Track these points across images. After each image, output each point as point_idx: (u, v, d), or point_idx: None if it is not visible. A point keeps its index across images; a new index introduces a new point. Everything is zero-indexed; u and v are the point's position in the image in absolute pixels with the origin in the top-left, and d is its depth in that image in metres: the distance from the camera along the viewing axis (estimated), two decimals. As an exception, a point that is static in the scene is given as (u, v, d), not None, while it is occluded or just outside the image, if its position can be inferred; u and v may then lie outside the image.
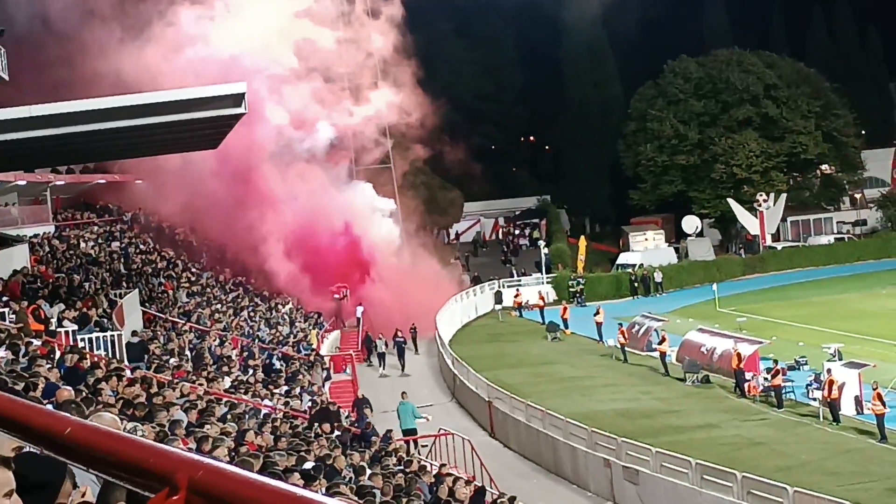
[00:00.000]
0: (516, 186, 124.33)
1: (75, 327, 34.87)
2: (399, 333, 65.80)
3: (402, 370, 63.61)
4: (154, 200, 74.27)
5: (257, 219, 73.50)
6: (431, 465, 35.29)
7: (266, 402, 36.31)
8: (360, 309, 71.98)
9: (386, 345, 64.80)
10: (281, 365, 48.60)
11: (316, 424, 33.81)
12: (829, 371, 45.10)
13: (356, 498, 19.59)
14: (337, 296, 74.11)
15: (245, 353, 47.51)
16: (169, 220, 74.91)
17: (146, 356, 37.43)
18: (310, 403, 38.88)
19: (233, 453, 19.31)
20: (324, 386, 48.59)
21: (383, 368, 63.44)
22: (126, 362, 34.30)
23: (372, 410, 43.19)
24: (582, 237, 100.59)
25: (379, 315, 71.63)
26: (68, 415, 3.59)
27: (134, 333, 39.62)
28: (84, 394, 18.07)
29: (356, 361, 59.29)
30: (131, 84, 61.40)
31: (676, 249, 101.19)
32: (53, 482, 5.52)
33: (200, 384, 31.98)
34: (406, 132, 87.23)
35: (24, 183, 60.22)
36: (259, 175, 74.16)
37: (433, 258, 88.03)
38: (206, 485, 2.63)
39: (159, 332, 44.76)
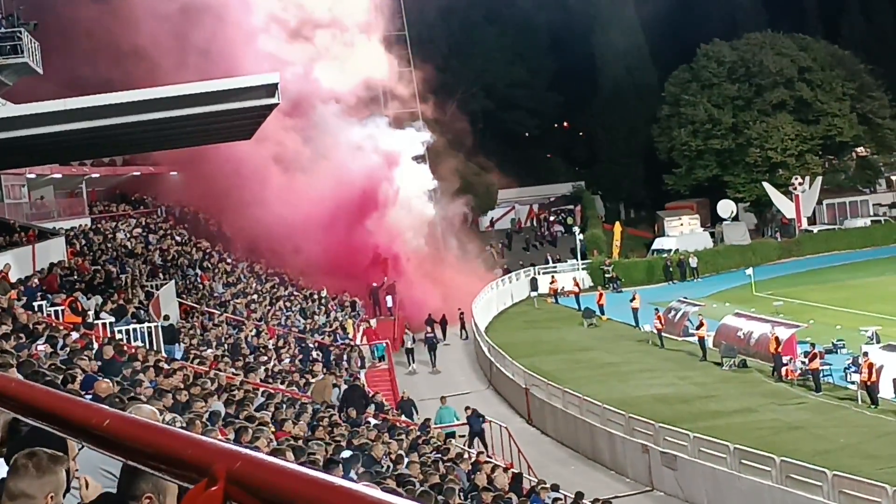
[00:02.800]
0: (550, 173, 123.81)
1: (112, 319, 35.02)
2: (428, 329, 64.31)
3: (433, 366, 61.79)
4: (186, 191, 73.96)
5: (273, 194, 72.41)
6: (469, 452, 35.35)
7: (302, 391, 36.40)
8: (389, 299, 71.54)
9: (413, 340, 62.75)
10: (317, 354, 48.70)
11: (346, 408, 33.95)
12: (866, 354, 44.92)
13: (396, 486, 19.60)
14: (375, 284, 73.73)
15: (281, 343, 47.61)
16: (202, 210, 74.57)
17: (178, 342, 37.75)
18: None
19: (272, 444, 19.36)
20: (360, 374, 48.61)
21: (412, 364, 61.42)
22: (162, 347, 34.66)
23: (417, 412, 42.92)
24: (617, 223, 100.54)
25: (412, 305, 71.42)
26: (106, 406, 3.60)
27: (166, 318, 39.88)
28: (122, 386, 18.17)
29: (392, 350, 58.98)
30: (115, 39, 61.47)
31: (712, 234, 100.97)
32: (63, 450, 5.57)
33: (237, 374, 32.11)
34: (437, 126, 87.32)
35: (59, 176, 60.54)
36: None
37: (467, 246, 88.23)
38: (244, 475, 2.63)
39: (196, 323, 44.95)
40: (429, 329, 64.18)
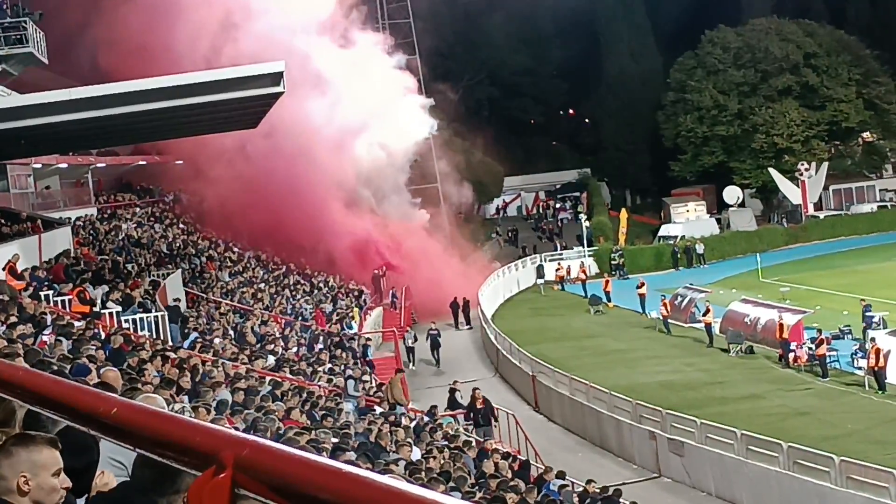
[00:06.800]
0: (556, 160, 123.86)
1: (119, 309, 35.04)
2: (433, 325, 61.38)
3: (438, 365, 58.76)
4: (192, 179, 73.40)
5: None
6: (476, 440, 35.38)
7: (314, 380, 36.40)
8: (391, 292, 70.71)
9: (415, 338, 59.99)
10: (325, 342, 48.66)
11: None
12: (873, 340, 44.91)
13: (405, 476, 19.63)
14: (377, 271, 73.53)
15: (288, 332, 47.56)
16: (207, 198, 73.76)
17: (184, 323, 37.95)
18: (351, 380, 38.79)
19: (279, 432, 19.38)
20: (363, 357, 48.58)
21: (413, 365, 57.91)
22: (168, 327, 34.81)
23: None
24: (623, 210, 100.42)
25: (417, 293, 71.28)
26: (114, 395, 3.61)
27: (176, 300, 40.18)
28: (129, 374, 18.17)
29: (398, 338, 58.64)
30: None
31: (718, 220, 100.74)
32: (94, 461, 5.55)
33: (244, 363, 32.13)
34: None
35: (65, 166, 60.57)
36: None
37: (469, 235, 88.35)
38: (251, 462, 2.64)
39: (202, 312, 44.97)
40: (433, 325, 61.43)
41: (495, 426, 40.77)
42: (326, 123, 72.97)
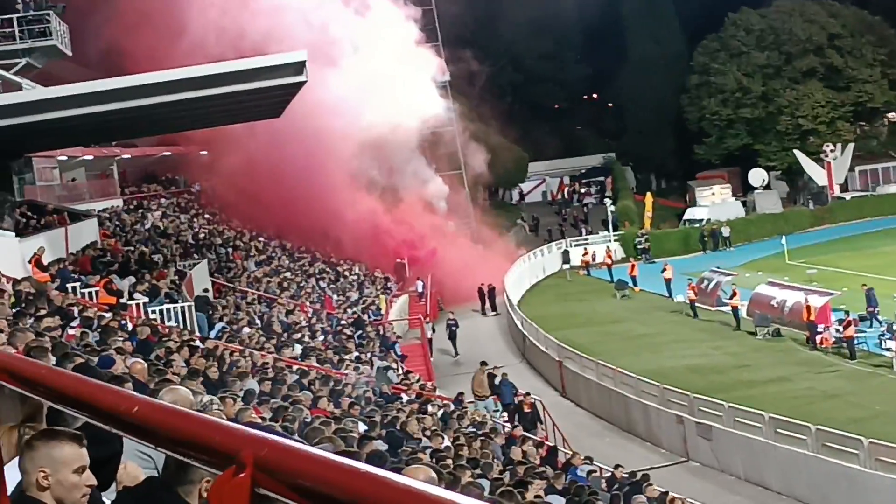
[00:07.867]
0: (581, 145, 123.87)
1: (146, 300, 35.12)
2: (451, 315, 60.65)
3: (455, 355, 57.92)
4: (213, 169, 72.58)
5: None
6: (503, 426, 35.37)
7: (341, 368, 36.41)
8: (419, 283, 69.43)
9: (433, 329, 59.56)
10: (351, 330, 48.63)
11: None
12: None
13: (433, 464, 19.59)
14: (399, 260, 73.44)
15: (314, 321, 47.59)
16: (228, 187, 72.83)
17: (210, 311, 38.06)
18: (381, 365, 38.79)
19: (306, 421, 19.38)
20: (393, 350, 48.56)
21: (431, 355, 56.26)
22: (195, 316, 34.91)
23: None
24: (648, 194, 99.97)
25: (441, 281, 71.09)
26: (136, 393, 3.61)
27: (205, 290, 40.33)
28: (157, 366, 18.21)
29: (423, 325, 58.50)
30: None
31: (744, 203, 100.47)
32: (117, 452, 5.56)
33: (271, 352, 32.17)
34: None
35: (91, 158, 60.65)
36: None
37: (493, 222, 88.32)
38: (272, 462, 2.63)
39: (229, 302, 45.02)
40: (451, 315, 60.72)
41: (541, 428, 40.66)
42: (339, 94, 70.51)
